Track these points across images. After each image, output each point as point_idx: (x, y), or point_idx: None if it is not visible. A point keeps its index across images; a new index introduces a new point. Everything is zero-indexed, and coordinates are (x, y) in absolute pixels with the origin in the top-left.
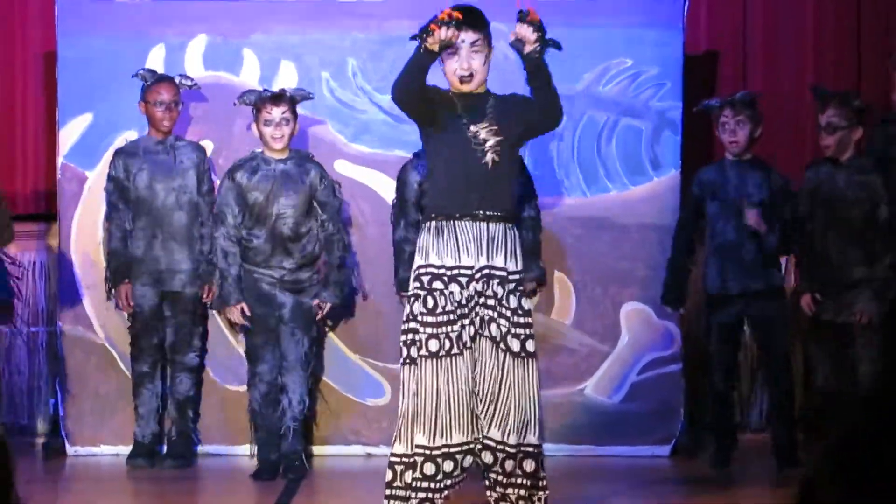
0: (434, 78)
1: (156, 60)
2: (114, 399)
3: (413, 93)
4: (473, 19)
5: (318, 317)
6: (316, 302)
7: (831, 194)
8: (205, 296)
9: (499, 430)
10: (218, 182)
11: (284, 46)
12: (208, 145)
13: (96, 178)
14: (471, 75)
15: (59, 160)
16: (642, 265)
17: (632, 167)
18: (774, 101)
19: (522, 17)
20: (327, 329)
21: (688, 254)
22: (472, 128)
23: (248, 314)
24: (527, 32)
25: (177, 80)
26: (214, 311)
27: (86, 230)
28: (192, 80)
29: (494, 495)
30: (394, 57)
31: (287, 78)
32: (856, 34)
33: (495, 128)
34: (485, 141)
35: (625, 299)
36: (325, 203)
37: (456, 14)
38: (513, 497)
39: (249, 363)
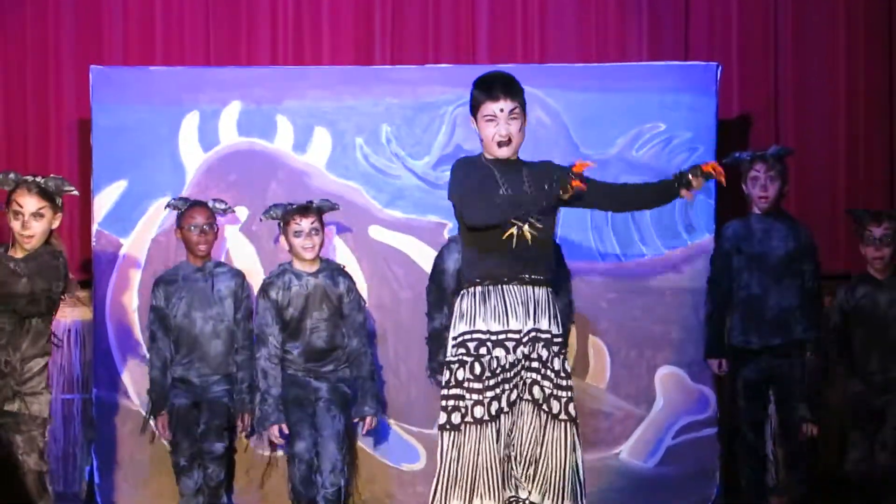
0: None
1: (190, 127)
2: (148, 465)
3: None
4: (510, 88)
5: (364, 432)
6: (357, 420)
7: (872, 314)
8: (240, 425)
9: (539, 492)
10: (254, 304)
11: (318, 113)
12: (243, 212)
13: (131, 244)
14: (509, 140)
15: (94, 227)
16: (677, 328)
17: (665, 231)
18: (806, 164)
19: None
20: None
21: (724, 307)
22: None
23: (287, 433)
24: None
25: (210, 203)
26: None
27: (121, 297)
28: (225, 203)
29: None
30: (427, 122)
31: (321, 144)
32: (888, 96)
33: None
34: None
35: (659, 363)
36: (348, 316)
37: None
38: None
39: (288, 443)
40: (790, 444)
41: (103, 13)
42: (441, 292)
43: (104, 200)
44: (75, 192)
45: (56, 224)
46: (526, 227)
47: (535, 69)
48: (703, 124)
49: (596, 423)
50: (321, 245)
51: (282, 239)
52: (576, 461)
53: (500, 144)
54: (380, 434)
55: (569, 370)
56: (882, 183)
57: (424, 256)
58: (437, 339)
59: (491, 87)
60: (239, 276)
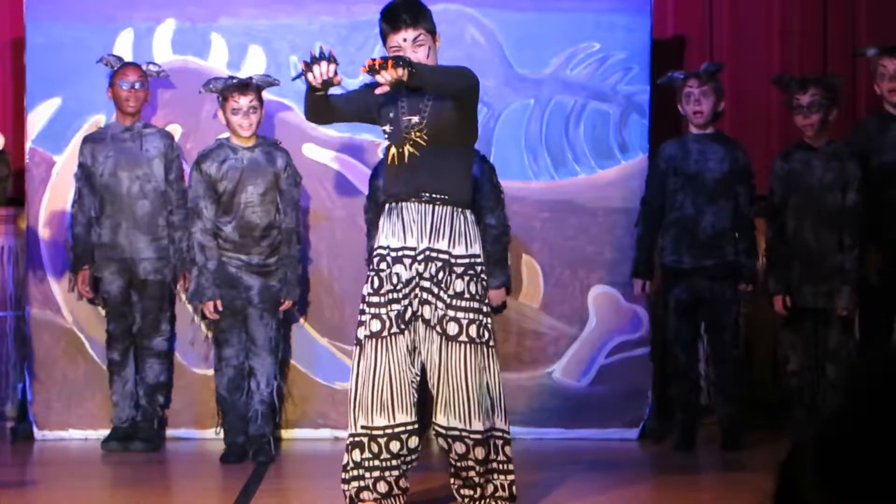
0: None
1: (124, 45)
2: (82, 384)
3: (326, 119)
4: (412, 16)
5: (282, 309)
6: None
7: (808, 181)
8: (180, 285)
9: (442, 414)
10: (187, 170)
11: (252, 31)
12: (176, 130)
13: (64, 162)
14: None
15: (28, 145)
16: (610, 248)
17: (600, 151)
18: (741, 85)
19: (373, 70)
20: (297, 315)
21: (655, 228)
22: (406, 117)
23: (221, 309)
24: (390, 76)
25: (144, 66)
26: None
27: (54, 214)
28: (159, 66)
29: (458, 482)
30: (362, 41)
31: (255, 62)
32: (822, 17)
33: (424, 120)
34: (412, 128)
35: (593, 283)
36: (284, 192)
37: (329, 50)
38: (470, 481)
39: (216, 347)
40: (721, 367)
41: None
42: (377, 210)
43: (38, 118)
44: None
45: None
46: (407, 145)
47: None
48: (638, 44)
49: (529, 343)
50: (259, 123)
51: (219, 113)
52: (485, 382)
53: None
54: (313, 353)
55: (478, 292)
56: None
57: (358, 175)
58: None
59: (393, 18)
60: (168, 136)
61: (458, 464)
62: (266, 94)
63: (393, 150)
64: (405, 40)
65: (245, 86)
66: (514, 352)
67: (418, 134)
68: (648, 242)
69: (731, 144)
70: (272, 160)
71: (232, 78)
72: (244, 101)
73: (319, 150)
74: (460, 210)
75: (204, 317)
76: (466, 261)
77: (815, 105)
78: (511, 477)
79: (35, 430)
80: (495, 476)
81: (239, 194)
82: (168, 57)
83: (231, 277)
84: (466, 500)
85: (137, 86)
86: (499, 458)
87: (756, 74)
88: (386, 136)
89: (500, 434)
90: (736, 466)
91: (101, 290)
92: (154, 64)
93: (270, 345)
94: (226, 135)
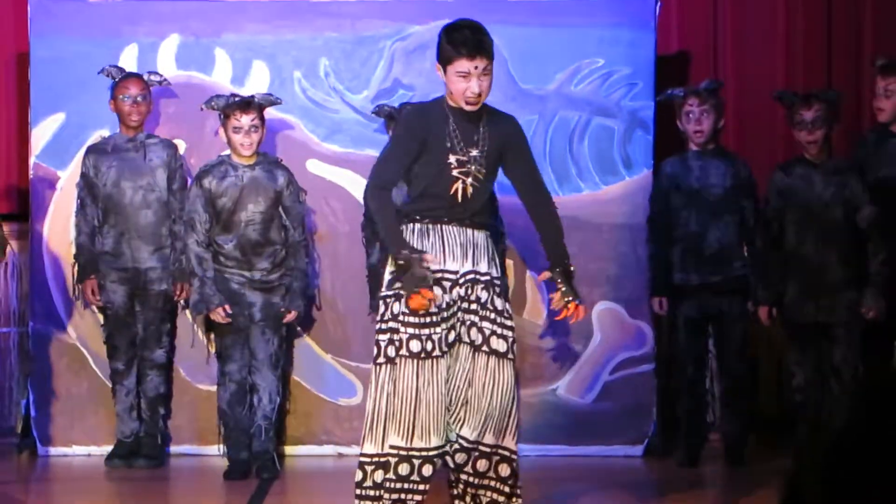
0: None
1: (128, 60)
2: (86, 399)
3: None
4: (486, 45)
5: (285, 321)
6: (283, 310)
7: (808, 196)
8: (177, 294)
9: (473, 430)
10: (189, 175)
11: (256, 46)
12: (180, 145)
13: (69, 177)
14: (479, 95)
15: (32, 160)
16: (614, 265)
17: (604, 167)
18: (745, 100)
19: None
20: (299, 329)
21: (666, 244)
22: (462, 152)
23: (230, 312)
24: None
25: (145, 76)
26: (187, 312)
27: (58, 230)
28: (161, 76)
29: (462, 502)
30: (366, 56)
31: (259, 78)
32: (826, 34)
33: (484, 155)
34: (469, 170)
35: (597, 299)
36: (289, 208)
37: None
38: (484, 500)
39: (219, 362)
40: (728, 381)
41: None
42: (374, 226)
43: (42, 133)
44: None
45: None
46: (469, 179)
47: (475, 3)
48: (642, 60)
49: (533, 359)
50: (260, 141)
51: (221, 131)
52: (516, 401)
53: (468, 102)
54: (317, 369)
55: (511, 311)
56: None
57: (362, 191)
58: (375, 276)
59: (466, 44)
60: (171, 146)
61: (475, 480)
62: (270, 111)
63: (458, 185)
64: (476, 68)
65: (247, 104)
66: (518, 368)
67: (479, 167)
68: (661, 259)
69: (732, 159)
70: (273, 178)
71: (234, 96)
72: (246, 120)
73: (323, 165)
74: (489, 234)
75: (209, 329)
76: (500, 281)
77: (820, 121)
78: (520, 501)
79: (39, 446)
80: (511, 498)
81: (239, 212)
82: (172, 72)
83: (234, 294)
84: None
85: (140, 99)
86: (512, 481)
87: (760, 90)
88: (452, 167)
89: (518, 456)
90: (740, 482)
91: (105, 299)
92: (156, 73)
93: (272, 360)
94: (227, 152)
